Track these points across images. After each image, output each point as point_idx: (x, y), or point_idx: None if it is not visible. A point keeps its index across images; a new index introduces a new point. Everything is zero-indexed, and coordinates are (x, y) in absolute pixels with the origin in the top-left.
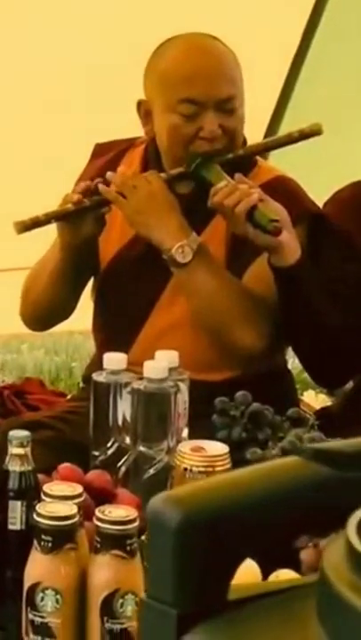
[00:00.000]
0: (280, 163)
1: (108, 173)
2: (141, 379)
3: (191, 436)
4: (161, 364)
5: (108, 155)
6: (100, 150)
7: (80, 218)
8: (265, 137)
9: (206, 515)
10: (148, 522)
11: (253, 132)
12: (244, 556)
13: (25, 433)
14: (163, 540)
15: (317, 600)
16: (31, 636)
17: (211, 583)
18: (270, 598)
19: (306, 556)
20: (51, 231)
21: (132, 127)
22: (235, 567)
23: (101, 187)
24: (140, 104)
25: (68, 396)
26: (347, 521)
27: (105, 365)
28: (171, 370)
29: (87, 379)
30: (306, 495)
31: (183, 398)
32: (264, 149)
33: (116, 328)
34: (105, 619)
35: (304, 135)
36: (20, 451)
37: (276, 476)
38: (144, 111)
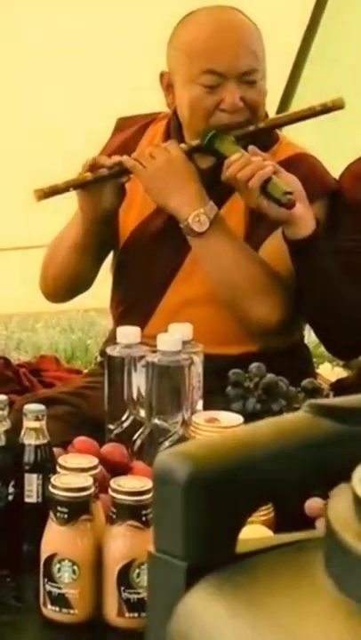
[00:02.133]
0: (292, 137)
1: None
2: (156, 352)
3: (209, 410)
4: (174, 336)
5: (130, 129)
6: (122, 124)
7: (100, 189)
8: (277, 113)
9: (214, 469)
10: (155, 477)
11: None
12: (251, 509)
13: (40, 407)
14: (171, 494)
15: (324, 551)
16: (49, 606)
17: (219, 537)
18: (277, 551)
19: (310, 509)
20: (67, 210)
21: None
22: (243, 521)
23: (122, 156)
24: (162, 75)
25: (85, 371)
26: (352, 473)
27: (119, 339)
28: (184, 343)
29: (103, 353)
30: (312, 449)
31: (197, 371)
32: (286, 122)
33: (135, 301)
34: (122, 589)
35: (327, 109)
36: (36, 424)
37: (283, 432)
38: (166, 83)
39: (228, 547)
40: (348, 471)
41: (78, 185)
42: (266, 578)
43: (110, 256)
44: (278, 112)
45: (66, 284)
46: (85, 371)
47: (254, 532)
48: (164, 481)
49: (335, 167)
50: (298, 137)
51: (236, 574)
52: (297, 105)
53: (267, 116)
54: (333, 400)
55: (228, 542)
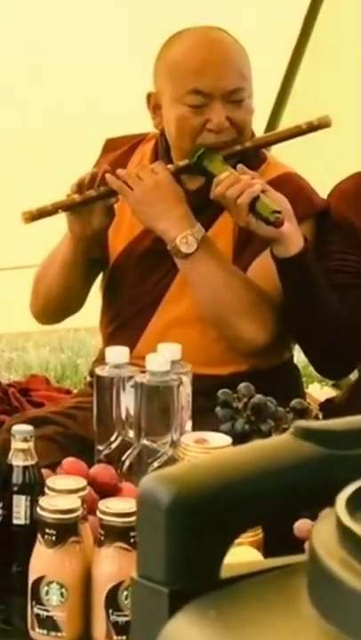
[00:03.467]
0: (281, 155)
1: (118, 170)
2: (144, 372)
3: (198, 431)
4: (163, 356)
5: (118, 149)
6: (110, 145)
7: (88, 209)
8: (265, 131)
9: (197, 493)
10: (139, 500)
11: (254, 127)
12: (236, 534)
13: (28, 428)
14: (154, 518)
15: (308, 576)
16: (37, 629)
17: (203, 561)
18: (262, 576)
19: (299, 531)
20: (57, 230)
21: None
22: (228, 545)
23: (108, 176)
24: (149, 96)
25: (75, 391)
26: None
27: (107, 359)
28: (173, 363)
29: (93, 373)
30: (297, 473)
31: (186, 391)
32: (272, 142)
33: (124, 321)
34: (110, 611)
35: (313, 127)
36: (24, 445)
37: (267, 455)
38: (153, 103)
39: (212, 572)
40: (333, 495)
41: (66, 207)
42: (250, 604)
43: (100, 276)
44: (267, 129)
45: (55, 305)
46: (75, 390)
47: (243, 553)
48: (148, 505)
49: (323, 186)
50: (287, 154)
51: (220, 600)
52: (286, 122)
53: (253, 134)
54: (318, 423)
55: (213, 567)
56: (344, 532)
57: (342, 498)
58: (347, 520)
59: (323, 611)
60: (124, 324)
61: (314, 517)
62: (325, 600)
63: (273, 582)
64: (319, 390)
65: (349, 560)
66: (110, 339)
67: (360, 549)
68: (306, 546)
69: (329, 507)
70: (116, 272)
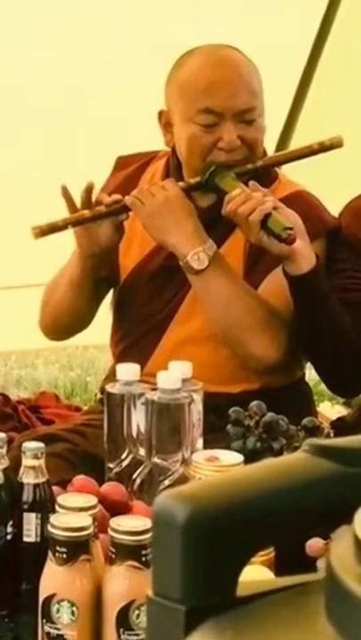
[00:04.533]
0: (292, 172)
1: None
2: (155, 389)
3: (209, 449)
4: (174, 374)
5: (129, 168)
6: (121, 163)
7: (98, 226)
8: (277, 147)
9: (213, 511)
10: (154, 519)
11: (265, 143)
12: (251, 552)
13: (39, 444)
14: (169, 536)
15: (325, 594)
16: None
17: (219, 579)
18: (279, 594)
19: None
20: (66, 248)
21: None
22: (243, 563)
23: (119, 195)
24: (160, 114)
25: (85, 408)
26: (354, 515)
27: (118, 376)
28: (184, 381)
29: (103, 391)
30: (313, 490)
31: (197, 409)
32: (284, 161)
33: (135, 339)
34: (121, 630)
35: (325, 148)
36: (35, 462)
37: (283, 472)
38: (164, 121)
39: (228, 590)
40: (348, 513)
41: (76, 222)
42: (266, 623)
43: (110, 293)
44: (278, 146)
45: (64, 321)
46: (85, 408)
47: (254, 572)
48: (163, 523)
49: (335, 204)
50: (299, 172)
51: (236, 619)
52: (297, 140)
53: (265, 153)
54: (333, 440)
55: (229, 585)
56: None
57: (360, 515)
58: None
59: (341, 628)
60: (135, 342)
61: (325, 536)
62: (343, 618)
63: (289, 601)
64: (331, 408)
65: None
66: (121, 356)
67: None
68: (318, 564)
69: (345, 524)
70: (126, 290)
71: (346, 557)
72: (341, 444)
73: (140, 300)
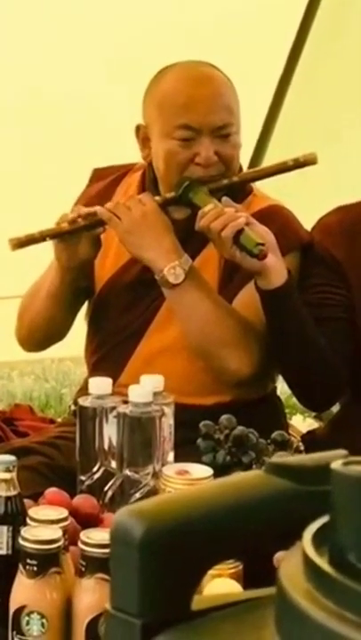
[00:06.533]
0: (267, 187)
1: (107, 204)
2: (127, 402)
3: (181, 462)
4: (146, 388)
5: (105, 179)
6: (98, 175)
7: (76, 239)
8: (252, 157)
9: (169, 527)
10: (112, 535)
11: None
12: (206, 567)
13: (11, 458)
14: (127, 552)
15: (275, 609)
16: None
17: (174, 594)
18: (232, 608)
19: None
20: (43, 261)
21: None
22: (199, 578)
23: (98, 207)
24: (138, 129)
25: (59, 420)
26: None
27: (90, 390)
28: (156, 394)
29: (77, 403)
30: (266, 508)
31: (168, 422)
32: (258, 177)
33: (109, 350)
34: None
35: (299, 164)
36: (6, 475)
37: (238, 489)
38: (142, 136)
39: (183, 604)
40: (302, 529)
41: (54, 235)
42: (217, 636)
43: (85, 305)
44: (252, 161)
45: (41, 332)
46: (59, 419)
47: (222, 585)
48: (120, 539)
49: (309, 219)
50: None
51: (189, 632)
52: (271, 156)
53: (241, 168)
54: (289, 459)
55: (184, 600)
56: (310, 566)
57: (309, 532)
58: (312, 554)
59: None
60: (109, 353)
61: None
62: (292, 633)
63: (242, 615)
64: (302, 422)
65: (315, 594)
66: (95, 367)
67: (325, 583)
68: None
69: (299, 541)
70: (101, 301)
71: (295, 574)
72: (295, 463)
73: (115, 311)
